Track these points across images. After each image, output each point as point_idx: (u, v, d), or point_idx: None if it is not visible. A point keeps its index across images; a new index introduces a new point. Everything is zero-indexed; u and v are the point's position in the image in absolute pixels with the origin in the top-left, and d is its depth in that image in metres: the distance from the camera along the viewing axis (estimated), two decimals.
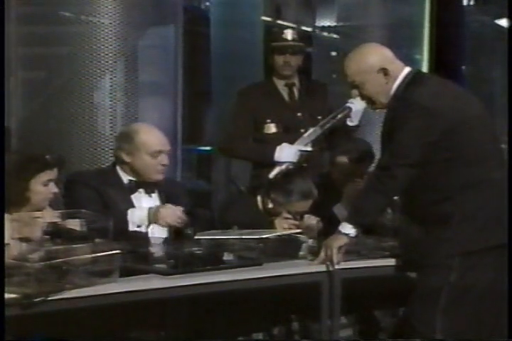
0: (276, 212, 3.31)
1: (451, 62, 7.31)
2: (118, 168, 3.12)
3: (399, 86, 2.81)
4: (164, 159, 3.08)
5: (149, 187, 3.11)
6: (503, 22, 7.33)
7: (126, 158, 3.08)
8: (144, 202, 3.10)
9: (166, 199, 3.14)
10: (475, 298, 2.74)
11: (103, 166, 3.48)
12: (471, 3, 6.61)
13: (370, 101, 2.88)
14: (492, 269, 2.75)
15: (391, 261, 2.99)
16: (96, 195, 2.95)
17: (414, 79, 2.82)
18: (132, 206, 3.03)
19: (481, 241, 2.73)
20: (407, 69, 2.85)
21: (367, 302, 3.29)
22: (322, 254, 2.82)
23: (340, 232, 2.82)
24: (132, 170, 3.09)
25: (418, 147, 2.74)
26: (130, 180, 3.09)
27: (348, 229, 2.81)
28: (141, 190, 3.10)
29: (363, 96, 2.88)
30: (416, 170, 2.75)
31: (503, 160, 2.85)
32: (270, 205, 3.33)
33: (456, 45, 7.56)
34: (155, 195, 3.14)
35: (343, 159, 3.59)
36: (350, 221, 2.82)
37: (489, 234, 2.74)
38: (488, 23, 7.18)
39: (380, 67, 2.80)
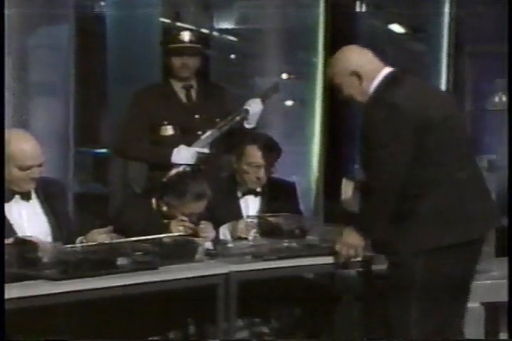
0: (171, 214, 3.28)
1: None
2: None
3: (377, 86, 2.90)
4: (35, 172, 2.90)
5: (24, 194, 2.96)
6: (395, 27, 7.74)
7: None
8: (23, 208, 2.96)
9: (44, 199, 3.02)
10: (439, 294, 2.80)
11: None
12: (363, 9, 6.86)
13: (351, 100, 2.97)
14: (453, 266, 2.82)
15: (288, 262, 3.02)
16: None
17: (392, 79, 2.91)
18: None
19: (443, 238, 2.79)
20: (386, 70, 2.94)
21: (264, 303, 3.31)
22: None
23: None
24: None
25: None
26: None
27: None
28: (16, 196, 2.95)
29: (343, 97, 2.97)
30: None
31: (469, 161, 2.94)
32: (164, 208, 3.30)
33: None
34: (34, 198, 3.00)
35: (252, 147, 3.56)
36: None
37: (451, 232, 2.80)
38: (381, 28, 7.44)
39: (353, 70, 2.91)
